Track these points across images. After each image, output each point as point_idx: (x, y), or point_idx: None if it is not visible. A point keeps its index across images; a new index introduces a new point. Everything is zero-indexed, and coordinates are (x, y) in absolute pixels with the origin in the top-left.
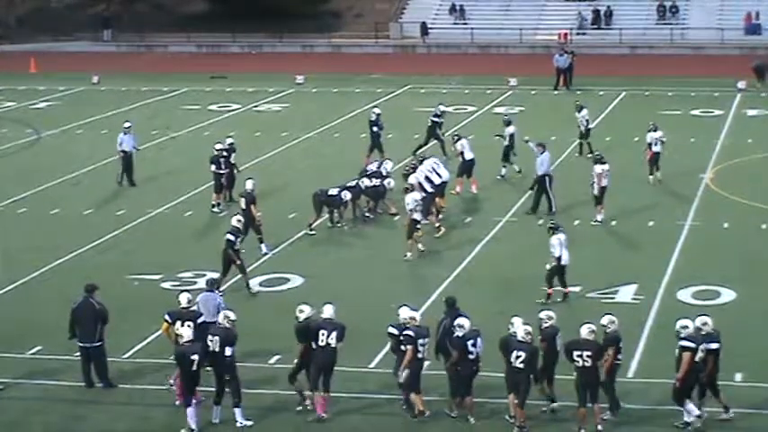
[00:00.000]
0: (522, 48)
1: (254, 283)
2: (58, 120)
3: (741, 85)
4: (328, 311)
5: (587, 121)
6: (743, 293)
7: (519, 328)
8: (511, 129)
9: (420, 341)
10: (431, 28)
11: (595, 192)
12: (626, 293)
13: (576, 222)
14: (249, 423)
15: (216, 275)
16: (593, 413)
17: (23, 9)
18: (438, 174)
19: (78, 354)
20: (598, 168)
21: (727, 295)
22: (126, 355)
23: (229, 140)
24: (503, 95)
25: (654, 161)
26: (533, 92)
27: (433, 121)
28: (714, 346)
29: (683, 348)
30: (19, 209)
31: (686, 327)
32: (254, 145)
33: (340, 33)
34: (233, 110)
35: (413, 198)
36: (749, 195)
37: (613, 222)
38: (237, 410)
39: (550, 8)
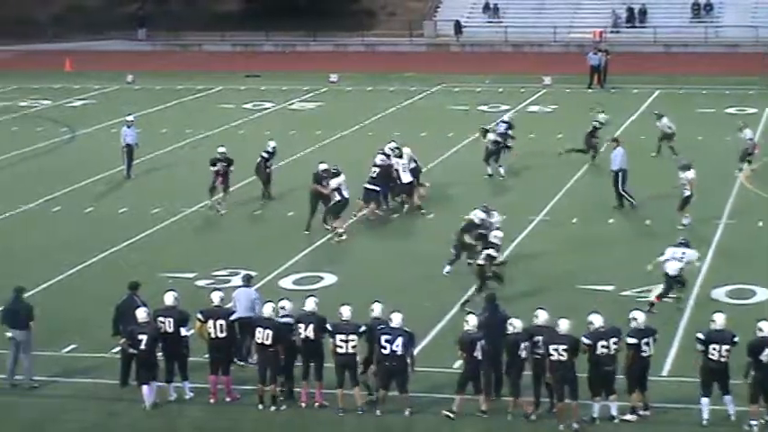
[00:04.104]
0: (557, 46)
1: (288, 282)
2: (92, 118)
3: None
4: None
5: (669, 127)
6: None
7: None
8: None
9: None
10: (465, 26)
11: (687, 194)
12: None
13: (611, 221)
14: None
15: (251, 273)
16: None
17: (59, 8)
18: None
19: (117, 351)
20: (690, 174)
21: (763, 294)
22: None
23: (272, 144)
24: (537, 94)
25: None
26: (567, 90)
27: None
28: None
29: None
30: (54, 207)
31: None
32: (289, 143)
33: (373, 32)
34: (267, 108)
35: (337, 182)
36: None
37: (647, 221)
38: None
39: (585, 6)
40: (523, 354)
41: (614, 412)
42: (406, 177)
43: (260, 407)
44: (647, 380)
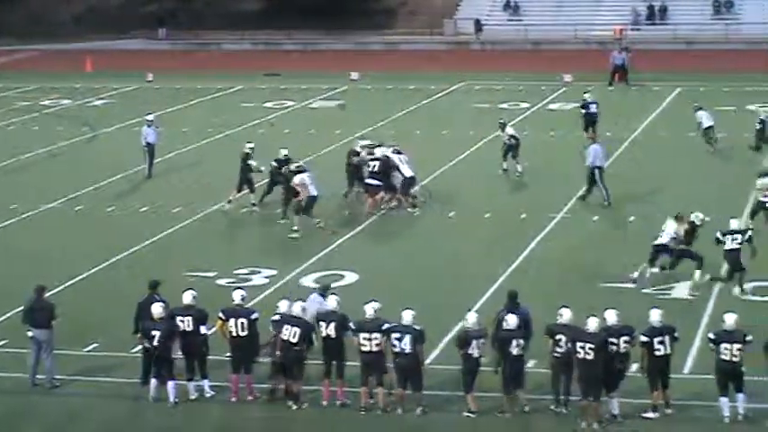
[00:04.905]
0: (577, 44)
1: (309, 280)
2: (113, 118)
3: None
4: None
5: (700, 123)
6: None
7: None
8: (510, 130)
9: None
10: (485, 24)
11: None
12: (682, 290)
13: (631, 219)
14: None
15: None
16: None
17: (79, 7)
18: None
19: (138, 350)
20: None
21: None
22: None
23: (284, 152)
24: (557, 92)
25: None
26: (588, 88)
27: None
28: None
29: None
30: (75, 206)
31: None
32: (309, 142)
33: (394, 30)
34: (288, 107)
35: (300, 178)
36: None
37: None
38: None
39: (605, 4)
40: (515, 351)
41: (615, 411)
42: (408, 171)
43: (289, 404)
44: (669, 377)
